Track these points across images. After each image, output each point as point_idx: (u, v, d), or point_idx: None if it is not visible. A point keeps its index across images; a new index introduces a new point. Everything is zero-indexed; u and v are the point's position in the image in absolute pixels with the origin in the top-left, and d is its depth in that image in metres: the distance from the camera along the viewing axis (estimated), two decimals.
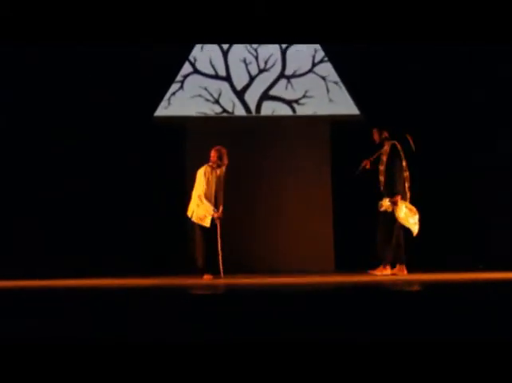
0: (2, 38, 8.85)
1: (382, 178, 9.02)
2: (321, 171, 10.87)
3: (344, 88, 11.00)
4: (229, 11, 8.96)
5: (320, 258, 10.64)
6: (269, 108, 11.09)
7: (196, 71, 11.01)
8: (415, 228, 8.82)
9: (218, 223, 8.86)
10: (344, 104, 10.94)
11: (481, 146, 10.59)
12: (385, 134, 9.06)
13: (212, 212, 8.82)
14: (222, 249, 8.79)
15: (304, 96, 11.06)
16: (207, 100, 11.00)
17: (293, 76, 11.12)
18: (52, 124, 10.37)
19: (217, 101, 11.01)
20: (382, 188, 9.01)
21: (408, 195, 8.96)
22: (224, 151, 8.90)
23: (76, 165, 10.41)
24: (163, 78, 10.74)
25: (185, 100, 10.87)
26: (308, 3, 9.04)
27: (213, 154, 8.91)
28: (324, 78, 11.08)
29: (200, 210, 8.86)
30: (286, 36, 9.60)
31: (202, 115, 10.95)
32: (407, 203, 8.88)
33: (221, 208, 8.93)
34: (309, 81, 11.06)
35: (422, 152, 9.20)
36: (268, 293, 6.28)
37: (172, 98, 10.89)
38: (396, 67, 10.57)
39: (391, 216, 8.86)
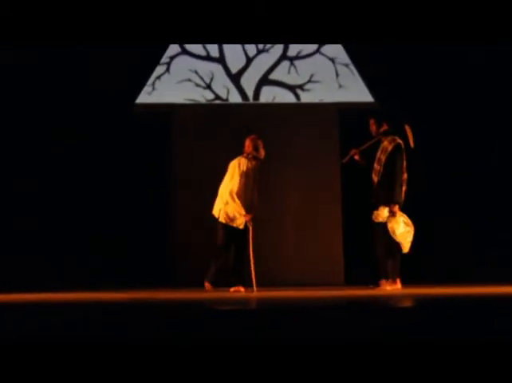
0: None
1: (376, 179, 8.73)
2: (329, 169, 10.57)
3: (356, 71, 10.81)
4: (229, 11, 9.28)
5: (329, 270, 10.44)
6: (269, 95, 10.86)
7: (185, 51, 10.75)
8: (408, 246, 8.59)
9: (250, 226, 8.59)
10: (355, 90, 10.77)
11: (481, 147, 10.65)
12: (384, 127, 8.77)
13: (244, 213, 8.52)
14: (254, 257, 8.62)
15: (309, 81, 10.82)
16: (198, 85, 10.75)
17: (297, 57, 10.88)
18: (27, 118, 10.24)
19: (209, 86, 10.77)
20: (374, 191, 8.72)
21: (403, 199, 8.74)
22: (260, 141, 8.67)
23: (50, 162, 10.26)
24: (147, 59, 10.50)
25: (172, 85, 10.65)
26: (308, 3, 9.30)
27: (247, 144, 8.66)
28: (332, 60, 10.86)
29: (230, 208, 8.57)
30: (286, 36, 9.83)
31: (192, 102, 10.71)
32: (405, 217, 8.60)
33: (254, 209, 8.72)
34: (316, 64, 10.85)
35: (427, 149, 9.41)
36: (276, 307, 6.47)
37: (157, 83, 10.63)
38: (417, 47, 10.28)
39: (386, 227, 8.60)
